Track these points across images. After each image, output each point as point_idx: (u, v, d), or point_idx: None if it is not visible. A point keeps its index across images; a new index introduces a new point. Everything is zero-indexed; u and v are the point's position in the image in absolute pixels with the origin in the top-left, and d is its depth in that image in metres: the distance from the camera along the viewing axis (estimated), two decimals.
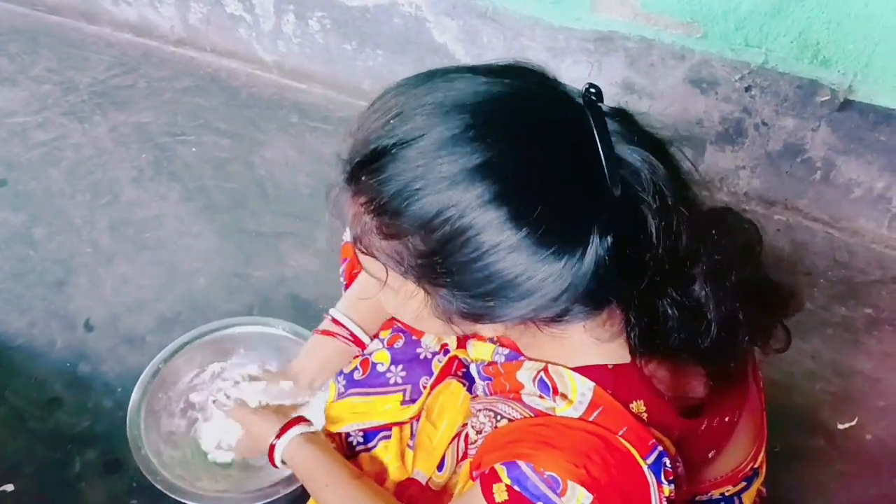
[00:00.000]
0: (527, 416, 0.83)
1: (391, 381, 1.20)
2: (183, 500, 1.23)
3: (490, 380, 0.94)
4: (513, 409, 0.85)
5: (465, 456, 1.09)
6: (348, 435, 1.21)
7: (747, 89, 1.69)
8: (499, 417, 0.86)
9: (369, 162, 0.71)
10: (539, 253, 0.69)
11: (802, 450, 1.47)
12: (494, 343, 0.97)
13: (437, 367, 1.19)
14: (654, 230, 0.72)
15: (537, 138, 0.70)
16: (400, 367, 1.20)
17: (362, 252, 0.76)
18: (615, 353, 0.81)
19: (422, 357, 1.21)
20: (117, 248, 1.81)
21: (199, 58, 2.36)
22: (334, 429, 1.22)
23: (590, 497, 0.74)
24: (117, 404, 1.50)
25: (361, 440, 1.22)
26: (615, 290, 0.74)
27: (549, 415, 0.80)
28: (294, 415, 1.19)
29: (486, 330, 0.79)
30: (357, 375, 1.22)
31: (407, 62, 2.02)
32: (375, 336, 1.24)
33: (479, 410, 0.91)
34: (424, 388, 1.19)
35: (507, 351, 0.91)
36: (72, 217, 1.88)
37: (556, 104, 0.73)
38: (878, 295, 1.78)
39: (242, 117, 2.17)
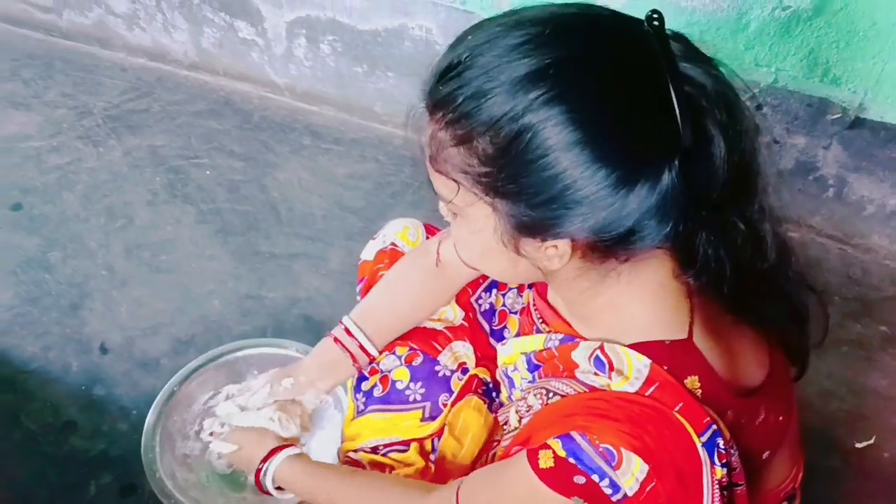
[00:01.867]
0: (581, 391, 0.82)
1: (411, 399, 1.20)
2: None
3: (540, 367, 0.93)
4: (566, 385, 0.84)
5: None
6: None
7: (758, 108, 1.69)
8: (551, 394, 0.85)
9: (448, 70, 0.75)
10: (600, 160, 0.71)
11: (819, 469, 1.46)
12: (545, 332, 0.96)
13: (456, 385, 1.20)
14: (722, 144, 0.73)
15: (602, 49, 0.73)
16: (419, 384, 1.20)
17: (436, 171, 0.79)
18: (673, 327, 0.81)
19: (440, 375, 1.21)
20: (132, 272, 1.82)
21: (213, 81, 2.39)
22: (352, 446, 1.22)
23: (646, 468, 0.73)
24: (132, 427, 1.50)
25: (374, 451, 1.21)
26: (684, 207, 0.74)
27: (605, 390, 0.79)
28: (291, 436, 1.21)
29: (553, 261, 0.78)
30: (377, 392, 1.22)
31: (418, 84, 2.01)
32: (389, 349, 1.23)
33: (527, 393, 0.90)
34: (444, 405, 1.19)
35: (561, 335, 0.90)
36: (87, 241, 1.89)
37: (622, 23, 0.77)
38: (893, 312, 1.77)
39: (255, 140, 2.19)
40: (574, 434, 0.75)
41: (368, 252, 1.29)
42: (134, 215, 1.96)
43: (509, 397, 1.04)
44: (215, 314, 1.74)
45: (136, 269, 1.83)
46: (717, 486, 0.77)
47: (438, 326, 1.24)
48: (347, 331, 1.22)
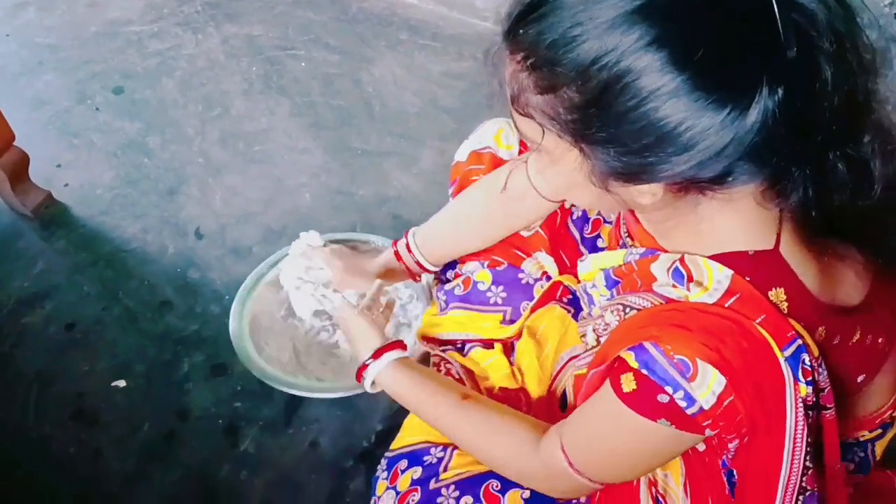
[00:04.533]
0: (657, 304, 0.78)
1: (491, 301, 1.18)
2: (286, 390, 1.26)
3: (618, 283, 0.90)
4: (643, 299, 0.80)
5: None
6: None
7: None
8: (628, 310, 0.82)
9: (528, 12, 0.69)
10: (702, 100, 0.64)
11: None
12: (629, 246, 0.92)
13: (538, 292, 1.17)
14: (829, 78, 0.66)
15: None
16: (500, 288, 1.19)
17: (519, 113, 0.74)
18: (758, 238, 0.76)
19: (523, 282, 1.19)
20: (227, 161, 1.84)
21: None
22: (429, 332, 1.22)
23: (723, 381, 0.70)
24: (224, 311, 1.52)
25: (457, 348, 1.21)
26: (785, 146, 0.67)
27: (682, 301, 0.76)
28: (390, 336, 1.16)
29: (644, 196, 0.73)
30: (458, 291, 1.21)
31: None
32: (472, 258, 1.22)
33: (605, 310, 0.88)
34: (525, 310, 1.17)
35: (642, 249, 0.86)
36: (184, 127, 1.91)
37: None
38: None
39: (352, 33, 2.15)
40: (646, 344, 0.73)
41: (462, 153, 1.25)
42: (230, 104, 1.97)
43: (589, 314, 1.00)
44: (306, 207, 1.75)
45: (231, 157, 1.85)
46: (800, 405, 0.73)
47: (523, 233, 1.20)
48: (408, 247, 1.24)
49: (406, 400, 1.08)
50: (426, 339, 1.23)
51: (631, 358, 0.74)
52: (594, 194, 0.76)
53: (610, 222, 1.18)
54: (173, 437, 1.41)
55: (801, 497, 0.78)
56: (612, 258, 0.91)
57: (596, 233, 1.19)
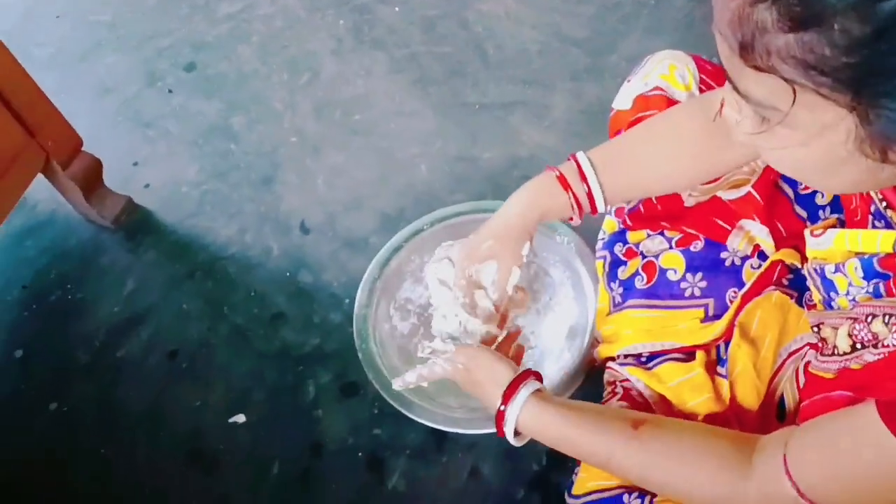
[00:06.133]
0: None
1: (687, 293, 0.98)
2: (432, 424, 1.07)
3: (887, 278, 0.70)
4: None
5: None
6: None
7: None
8: None
9: None
10: None
11: None
12: (890, 221, 0.70)
13: (749, 274, 0.97)
14: None
15: None
16: (699, 275, 0.99)
17: (755, 67, 0.55)
18: None
19: (727, 264, 0.99)
20: (324, 135, 1.60)
21: None
22: (609, 351, 1.02)
23: None
24: (347, 318, 1.32)
25: (639, 361, 1.00)
26: None
27: None
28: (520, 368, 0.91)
29: None
30: (640, 283, 1.01)
31: None
32: (652, 227, 1.02)
33: (871, 314, 0.68)
34: (732, 301, 0.95)
35: None
36: (270, 101, 1.67)
37: None
38: None
39: None
40: None
41: (623, 99, 1.03)
42: (319, 68, 1.72)
43: (826, 303, 0.78)
44: (423, 182, 1.50)
45: (329, 131, 1.61)
46: None
47: (725, 195, 0.98)
48: (581, 170, 0.93)
49: (560, 442, 0.85)
50: (609, 363, 1.02)
51: None
52: (863, 170, 0.58)
53: None
54: (309, 476, 1.21)
55: None
56: (871, 241, 0.71)
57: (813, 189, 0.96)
